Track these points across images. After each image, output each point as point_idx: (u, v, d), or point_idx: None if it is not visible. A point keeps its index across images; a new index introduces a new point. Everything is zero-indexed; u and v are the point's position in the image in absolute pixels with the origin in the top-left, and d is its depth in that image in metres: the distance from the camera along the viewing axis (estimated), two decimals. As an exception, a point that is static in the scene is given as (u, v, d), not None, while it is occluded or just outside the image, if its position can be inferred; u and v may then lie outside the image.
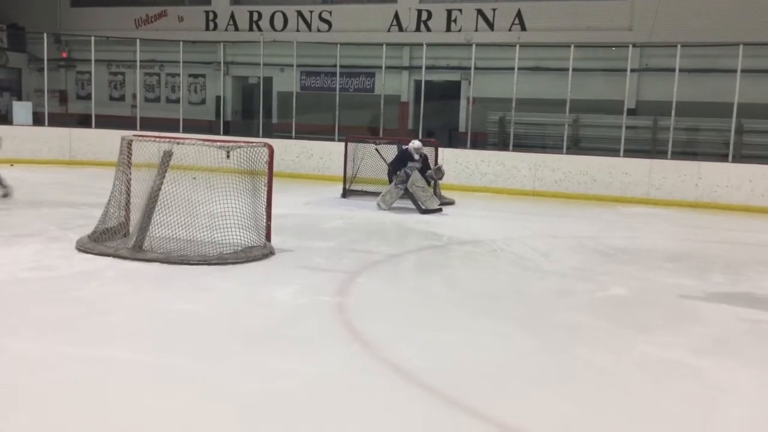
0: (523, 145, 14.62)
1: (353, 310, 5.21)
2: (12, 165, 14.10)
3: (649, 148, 14.46)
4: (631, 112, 14.33)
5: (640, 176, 12.58)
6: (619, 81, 13.81)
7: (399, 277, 6.44)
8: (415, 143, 10.86)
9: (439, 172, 11.07)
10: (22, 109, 16.32)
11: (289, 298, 5.53)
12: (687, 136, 14.50)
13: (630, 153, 13.16)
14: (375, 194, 11.54)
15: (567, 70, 13.44)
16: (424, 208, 10.28)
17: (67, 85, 20.63)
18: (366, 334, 4.65)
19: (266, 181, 7.01)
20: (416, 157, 10.73)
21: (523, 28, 16.55)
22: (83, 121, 16.98)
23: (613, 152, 13.18)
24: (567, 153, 13.60)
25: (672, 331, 5.00)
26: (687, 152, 14.02)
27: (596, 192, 12.65)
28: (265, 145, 7.03)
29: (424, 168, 10.80)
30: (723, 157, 12.98)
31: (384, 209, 10.39)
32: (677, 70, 12.69)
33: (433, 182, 11.08)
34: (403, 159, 10.78)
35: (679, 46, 12.77)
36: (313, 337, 4.57)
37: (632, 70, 13.83)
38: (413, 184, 10.48)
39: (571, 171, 12.90)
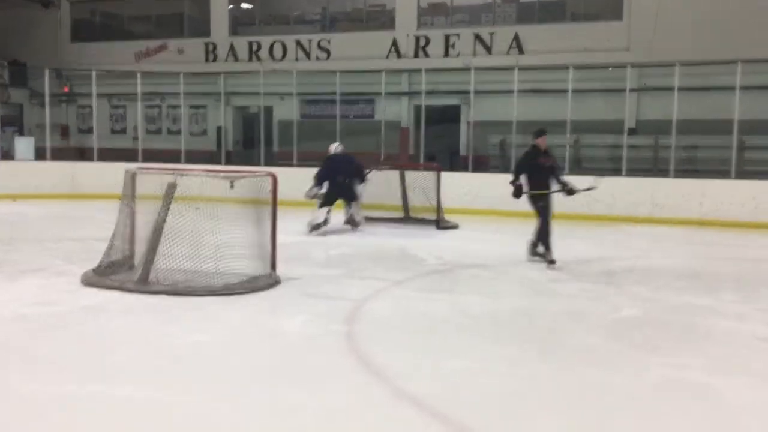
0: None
1: (362, 338, 5.15)
2: (15, 200, 14.13)
3: (651, 167, 14.46)
4: (632, 132, 14.37)
5: (643, 196, 12.55)
6: (619, 101, 13.88)
7: (407, 303, 6.38)
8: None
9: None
10: (24, 145, 16.41)
11: (297, 327, 5.47)
12: (688, 153, 14.50)
13: (632, 172, 13.15)
14: (379, 220, 11.52)
15: (566, 91, 13.50)
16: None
17: (69, 119, 20.75)
18: (376, 363, 4.58)
19: (270, 210, 6.99)
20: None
21: (521, 51, 16.67)
22: (85, 155, 17.03)
23: (615, 172, 13.17)
24: (569, 174, 13.56)
25: (686, 351, 4.93)
26: (689, 170, 14.02)
27: (600, 212, 12.61)
28: (268, 174, 7.02)
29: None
30: (725, 174, 12.95)
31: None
32: (676, 89, 12.75)
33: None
34: None
35: (677, 65, 12.84)
36: (323, 367, 4.51)
37: (631, 90, 13.91)
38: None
39: (573, 192, 12.87)
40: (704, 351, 4.97)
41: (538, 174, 8.16)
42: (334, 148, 11.09)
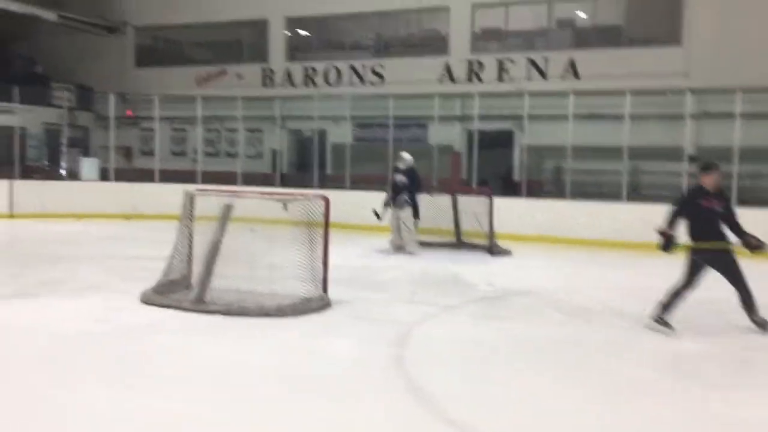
0: (580, 193, 14.42)
1: (411, 362, 5.16)
2: (79, 219, 14.67)
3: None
4: (692, 159, 14.00)
5: (703, 223, 12.19)
6: (678, 127, 13.58)
7: (456, 329, 6.35)
8: (403, 154, 10.69)
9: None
10: (89, 165, 17.05)
11: (347, 350, 5.51)
12: (752, 182, 14.05)
13: (692, 200, 12.80)
14: (431, 245, 11.51)
15: (623, 117, 13.29)
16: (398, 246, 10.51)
17: (132, 141, 21.49)
18: (424, 387, 4.58)
19: (323, 233, 7.08)
20: (401, 166, 10.50)
21: (576, 76, 16.52)
22: (147, 176, 17.57)
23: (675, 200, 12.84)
24: (626, 201, 13.33)
25: (748, 388, 4.76)
26: (752, 199, 13.57)
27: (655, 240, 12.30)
28: (321, 197, 7.13)
29: (411, 184, 10.53)
30: (791, 203, 12.51)
31: (411, 251, 10.51)
32: (738, 115, 12.41)
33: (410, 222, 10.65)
34: (394, 176, 10.69)
35: (738, 91, 12.51)
36: (370, 390, 4.53)
37: (691, 116, 13.59)
38: (403, 221, 10.50)
39: (631, 219, 12.59)
40: (764, 387, 4.79)
41: (701, 220, 6.19)
42: (411, 158, 10.90)
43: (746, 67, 14.28)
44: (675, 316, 6.19)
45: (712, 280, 8.82)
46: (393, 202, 10.64)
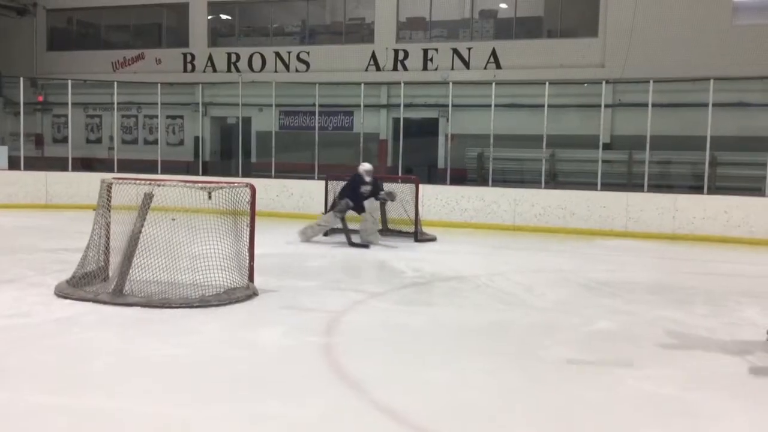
0: (502, 180, 14.77)
1: (340, 350, 5.15)
2: (-13, 210, 13.89)
3: (625, 182, 14.67)
4: (607, 147, 14.57)
5: (618, 209, 12.73)
6: (594, 116, 14.07)
7: (385, 315, 6.39)
8: (365, 165, 10.72)
9: (392, 195, 10.81)
10: (-3, 154, 16.15)
11: (275, 339, 5.45)
12: (661, 169, 14.75)
13: (607, 186, 13.34)
14: (357, 232, 11.52)
15: (542, 106, 13.67)
16: (354, 241, 10.38)
17: (44, 128, 20.51)
18: (354, 374, 4.58)
19: (248, 221, 6.97)
20: (367, 179, 10.53)
21: (498, 66, 16.87)
22: (60, 165, 16.81)
23: (590, 186, 13.34)
24: (545, 187, 13.74)
25: (660, 365, 4.99)
26: (662, 185, 14.26)
27: (575, 225, 12.77)
28: (247, 185, 7.01)
29: (375, 191, 10.63)
30: (698, 189, 13.19)
31: (375, 241, 10.45)
32: (650, 105, 12.96)
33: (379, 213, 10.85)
34: (355, 183, 10.61)
35: (651, 82, 13.06)
36: (300, 379, 4.50)
37: (606, 106, 14.11)
38: (370, 213, 10.52)
39: (549, 205, 13.01)
40: (677, 365, 5.04)
41: None
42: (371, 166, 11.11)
43: (658, 58, 14.97)
44: (590, 296, 6.38)
45: (618, 263, 9.25)
46: (355, 207, 10.53)
